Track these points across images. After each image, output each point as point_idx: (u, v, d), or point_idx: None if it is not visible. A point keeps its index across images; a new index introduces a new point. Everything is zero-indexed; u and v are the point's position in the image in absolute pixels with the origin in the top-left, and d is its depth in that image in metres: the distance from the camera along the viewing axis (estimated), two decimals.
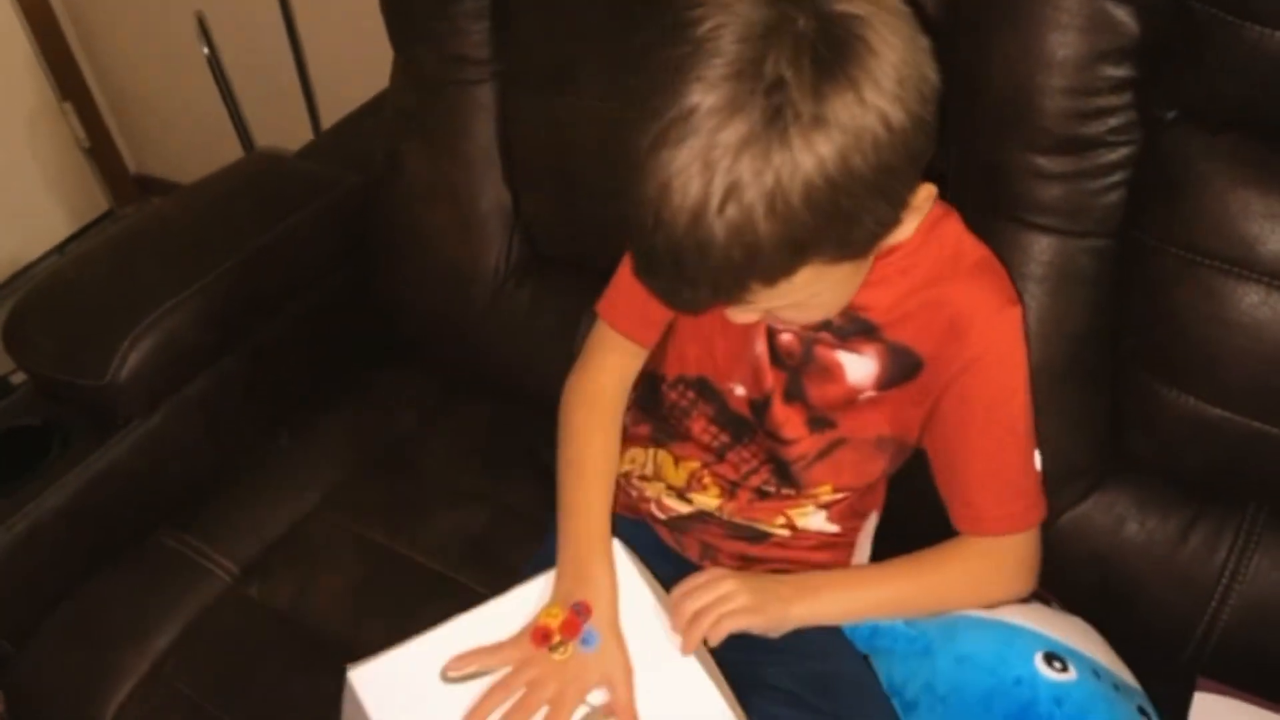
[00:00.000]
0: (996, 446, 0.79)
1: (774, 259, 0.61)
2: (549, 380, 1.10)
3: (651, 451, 0.91)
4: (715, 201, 0.58)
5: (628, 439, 0.93)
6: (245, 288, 1.13)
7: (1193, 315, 0.82)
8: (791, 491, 0.85)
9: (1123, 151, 0.82)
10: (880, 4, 0.61)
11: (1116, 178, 0.83)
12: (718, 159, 0.57)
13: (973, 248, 0.79)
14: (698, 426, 0.87)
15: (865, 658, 0.83)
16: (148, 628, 1.00)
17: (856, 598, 0.81)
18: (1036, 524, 0.81)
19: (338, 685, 0.77)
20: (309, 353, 1.22)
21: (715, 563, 0.88)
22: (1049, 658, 0.76)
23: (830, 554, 0.88)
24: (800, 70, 0.57)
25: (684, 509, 0.88)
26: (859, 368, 0.79)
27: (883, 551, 0.88)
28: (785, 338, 0.80)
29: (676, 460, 0.89)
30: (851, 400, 0.80)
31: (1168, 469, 0.90)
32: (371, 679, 0.76)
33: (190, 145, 2.21)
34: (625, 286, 0.88)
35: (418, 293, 1.19)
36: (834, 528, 0.86)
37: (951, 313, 0.76)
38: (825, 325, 0.78)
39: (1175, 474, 0.89)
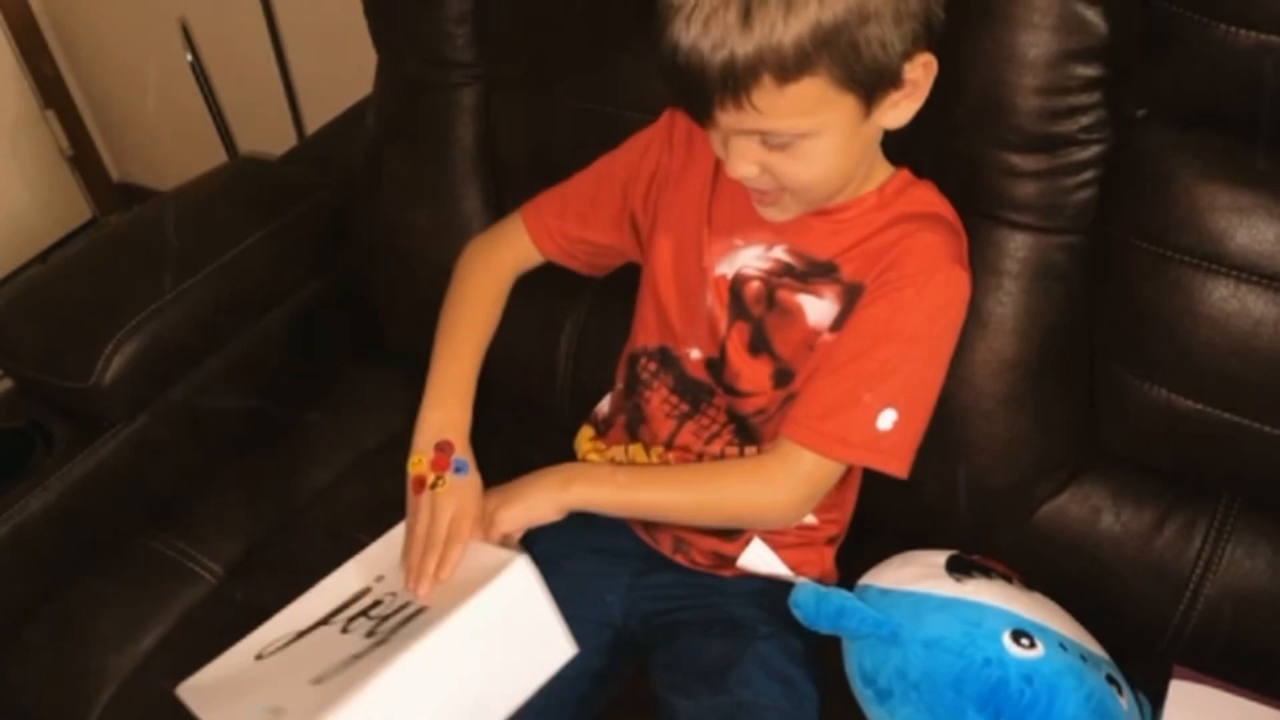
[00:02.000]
0: (856, 372, 0.78)
1: (791, 48, 0.65)
2: (532, 380, 1.11)
3: (625, 448, 0.92)
4: None
5: (607, 436, 0.94)
6: (229, 291, 1.13)
7: (1163, 309, 0.84)
8: (754, 449, 0.86)
9: (1094, 149, 0.84)
10: None
11: (1089, 175, 0.85)
12: None
13: (943, 209, 0.82)
14: (658, 398, 0.89)
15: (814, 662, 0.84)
16: (133, 630, 1.00)
17: (630, 476, 0.84)
18: (833, 457, 0.79)
19: None
20: (293, 355, 1.22)
21: (688, 559, 0.90)
22: (1016, 635, 0.77)
23: (804, 553, 0.89)
24: None
25: None
26: (818, 309, 0.81)
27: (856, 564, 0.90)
28: (752, 285, 0.82)
29: (647, 448, 0.90)
30: (810, 344, 0.82)
31: (1142, 461, 0.91)
32: (198, 688, 0.79)
33: (173, 153, 2.20)
34: (557, 195, 0.96)
35: (401, 294, 1.19)
36: (811, 519, 0.87)
37: (900, 248, 0.78)
38: (787, 269, 0.81)
39: (1149, 466, 0.91)
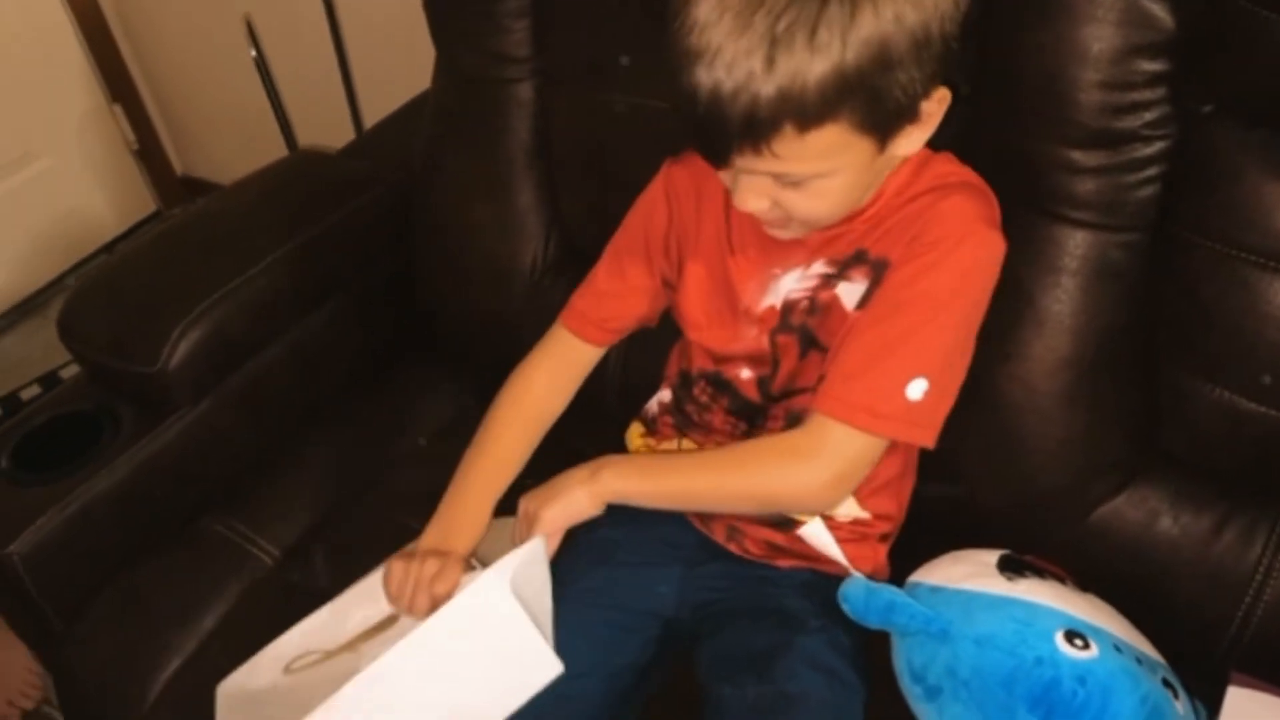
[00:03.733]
0: (879, 338, 0.76)
1: (815, 99, 0.64)
2: None
3: (678, 441, 0.93)
4: (767, 36, 0.62)
5: (656, 435, 0.95)
6: (289, 281, 1.15)
7: (1227, 309, 0.82)
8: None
9: (1158, 145, 0.83)
10: None
11: (1151, 172, 0.83)
12: None
13: (966, 175, 0.80)
14: (718, 420, 0.89)
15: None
16: (193, 609, 1.03)
17: (661, 463, 0.84)
18: (865, 428, 0.76)
19: None
20: (350, 346, 1.25)
21: (741, 548, 0.90)
22: (1070, 635, 0.76)
23: (858, 548, 0.88)
24: None
25: None
26: (850, 292, 0.80)
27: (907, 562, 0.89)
28: (800, 304, 0.82)
29: (700, 446, 0.91)
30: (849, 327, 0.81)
31: (1202, 464, 0.89)
32: (232, 694, 0.82)
33: (235, 147, 2.25)
34: (588, 290, 0.94)
35: (456, 287, 1.21)
36: (864, 513, 0.87)
37: (926, 216, 0.77)
38: (827, 279, 0.81)
39: (1209, 469, 0.89)
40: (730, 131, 0.66)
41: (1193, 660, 0.85)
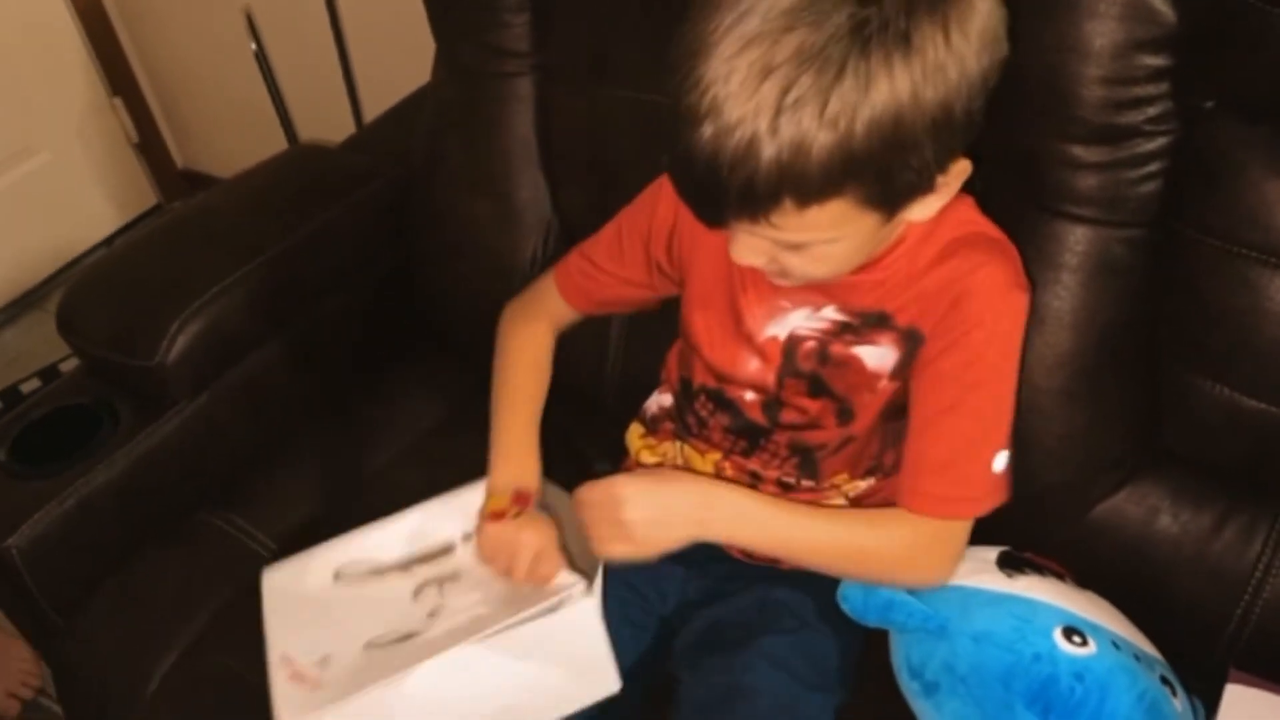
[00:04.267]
0: (957, 429, 0.76)
1: (818, 176, 0.60)
2: (582, 370, 1.11)
3: (679, 445, 0.92)
4: (774, 104, 0.58)
5: (656, 435, 0.94)
6: (288, 275, 1.15)
7: (1229, 306, 0.82)
8: (811, 484, 0.86)
9: (1160, 141, 0.82)
10: None
11: (1153, 167, 0.83)
12: (781, 61, 0.58)
13: (986, 227, 0.78)
14: (717, 436, 0.88)
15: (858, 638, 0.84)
16: (192, 602, 1.03)
17: (774, 524, 0.78)
18: (969, 516, 0.78)
19: None
20: (349, 340, 1.25)
21: (743, 551, 0.89)
22: (1068, 632, 0.76)
23: None
24: None
25: None
26: (876, 356, 0.79)
27: None
28: (807, 345, 0.80)
29: (701, 454, 0.90)
30: (872, 388, 0.80)
31: (1202, 461, 0.89)
32: (277, 584, 0.83)
33: (236, 141, 2.25)
34: (586, 254, 0.93)
35: (456, 282, 1.21)
36: None
37: (958, 289, 0.74)
38: (842, 327, 0.79)
39: (1209, 466, 0.89)
40: (726, 201, 0.63)
41: (1191, 658, 0.85)
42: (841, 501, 0.86)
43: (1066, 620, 0.77)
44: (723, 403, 0.86)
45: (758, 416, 0.85)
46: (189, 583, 1.04)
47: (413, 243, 1.24)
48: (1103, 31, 0.79)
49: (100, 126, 2.25)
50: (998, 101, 0.80)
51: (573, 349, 1.07)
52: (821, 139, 0.58)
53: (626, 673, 0.79)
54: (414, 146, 1.22)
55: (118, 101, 2.25)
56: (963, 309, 0.74)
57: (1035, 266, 0.86)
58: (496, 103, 1.13)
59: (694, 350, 0.87)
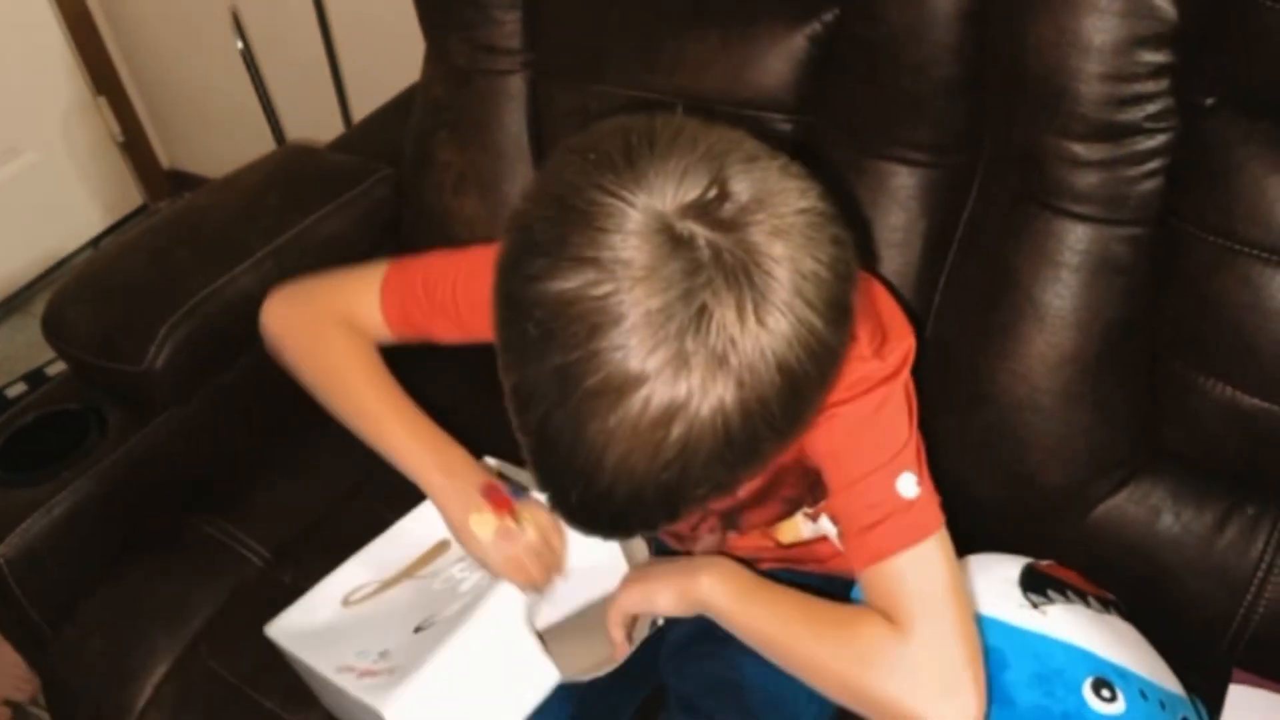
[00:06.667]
0: (851, 492, 0.69)
1: (652, 508, 0.57)
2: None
3: None
4: (619, 460, 0.54)
5: None
6: (278, 277, 1.13)
7: (1229, 304, 0.81)
8: (735, 534, 0.86)
9: (1160, 139, 0.82)
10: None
11: (1154, 165, 0.82)
12: (646, 427, 0.52)
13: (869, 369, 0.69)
14: None
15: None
16: (183, 610, 1.01)
17: (767, 603, 0.73)
18: (903, 545, 0.67)
19: None
20: None
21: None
22: (1098, 685, 0.74)
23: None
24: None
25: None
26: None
27: None
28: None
29: None
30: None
31: (1204, 460, 0.89)
32: (288, 630, 0.83)
33: (223, 140, 2.23)
34: (413, 284, 0.85)
35: None
36: (834, 529, 0.85)
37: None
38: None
39: (1211, 465, 0.89)
40: (596, 531, 0.64)
41: (1195, 658, 0.84)
42: (800, 518, 0.86)
43: (1096, 670, 0.75)
44: None
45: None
46: (180, 590, 1.03)
47: (403, 243, 1.23)
48: (1103, 28, 0.78)
49: (85, 126, 2.23)
50: (997, 98, 0.80)
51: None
52: (652, 484, 0.54)
53: (622, 674, 0.80)
54: (404, 146, 1.21)
55: (102, 101, 2.23)
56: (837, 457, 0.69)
57: (1035, 265, 0.86)
58: (487, 100, 1.12)
59: None
